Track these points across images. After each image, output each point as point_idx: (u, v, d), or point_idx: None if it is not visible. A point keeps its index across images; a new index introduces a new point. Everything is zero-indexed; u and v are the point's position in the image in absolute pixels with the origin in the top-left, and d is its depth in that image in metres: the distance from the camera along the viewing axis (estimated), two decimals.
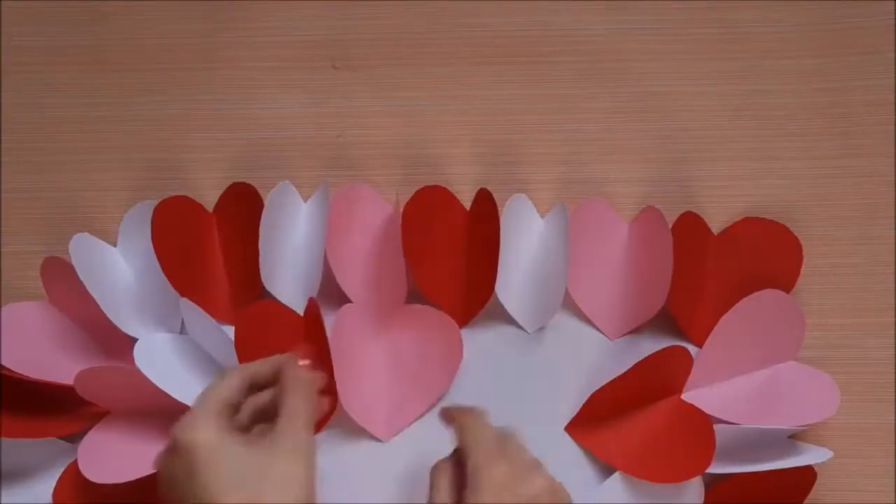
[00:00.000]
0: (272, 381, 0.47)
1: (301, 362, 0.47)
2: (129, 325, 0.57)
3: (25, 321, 0.57)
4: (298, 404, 0.44)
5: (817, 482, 0.55)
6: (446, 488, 0.46)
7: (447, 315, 0.56)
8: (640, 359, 0.54)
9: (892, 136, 0.60)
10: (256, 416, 0.46)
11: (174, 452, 0.42)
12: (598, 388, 0.55)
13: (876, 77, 0.60)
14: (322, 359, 0.54)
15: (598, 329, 0.58)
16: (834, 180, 0.60)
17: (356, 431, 0.56)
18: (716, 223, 0.59)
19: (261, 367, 0.47)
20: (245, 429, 0.46)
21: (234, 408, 0.45)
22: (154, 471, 0.52)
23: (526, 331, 0.58)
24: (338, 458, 0.57)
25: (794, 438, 0.56)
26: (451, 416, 0.49)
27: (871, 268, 0.59)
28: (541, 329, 0.58)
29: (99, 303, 0.55)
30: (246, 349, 0.54)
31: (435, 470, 0.47)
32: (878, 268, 0.59)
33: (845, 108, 0.60)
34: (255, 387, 0.47)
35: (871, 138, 0.60)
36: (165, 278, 0.56)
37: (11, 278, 0.60)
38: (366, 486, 0.56)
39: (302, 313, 0.57)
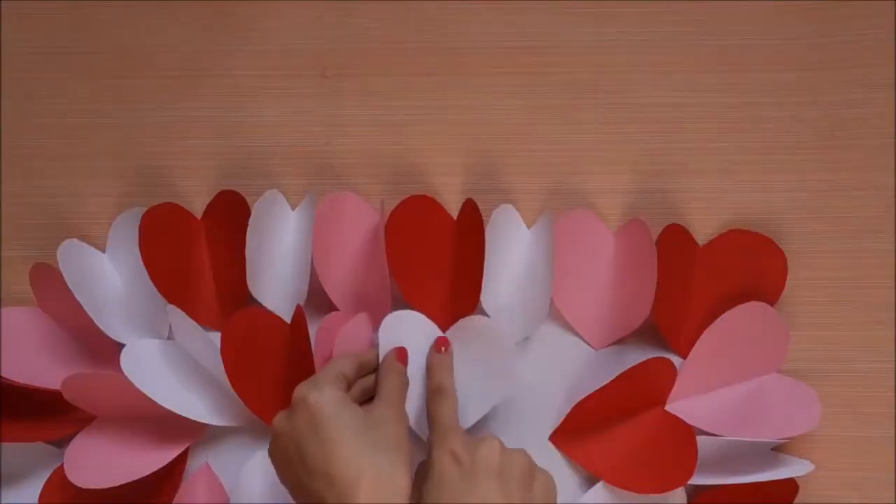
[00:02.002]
0: (374, 367, 0.55)
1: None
2: (116, 332, 0.57)
3: (15, 327, 0.58)
4: (395, 387, 0.52)
5: (799, 494, 0.55)
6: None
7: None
8: (624, 369, 0.54)
9: (880, 149, 0.60)
10: (364, 397, 0.53)
11: (298, 410, 0.48)
12: (582, 397, 0.55)
13: (863, 91, 0.60)
14: (307, 366, 0.54)
15: (582, 339, 0.58)
16: (820, 193, 0.60)
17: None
18: (701, 235, 0.59)
19: (368, 356, 0.55)
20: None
21: (348, 382, 0.51)
22: (137, 477, 0.53)
23: None
24: None
25: (776, 450, 0.56)
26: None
27: (856, 281, 0.59)
28: (526, 339, 0.58)
29: (86, 309, 0.55)
30: (232, 356, 0.55)
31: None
32: (864, 281, 0.59)
33: (832, 121, 0.60)
34: (363, 370, 0.54)
35: (859, 152, 0.60)
36: (153, 285, 0.57)
37: (2, 283, 0.61)
38: None
39: (289, 321, 0.58)
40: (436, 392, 0.53)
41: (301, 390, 0.49)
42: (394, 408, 0.51)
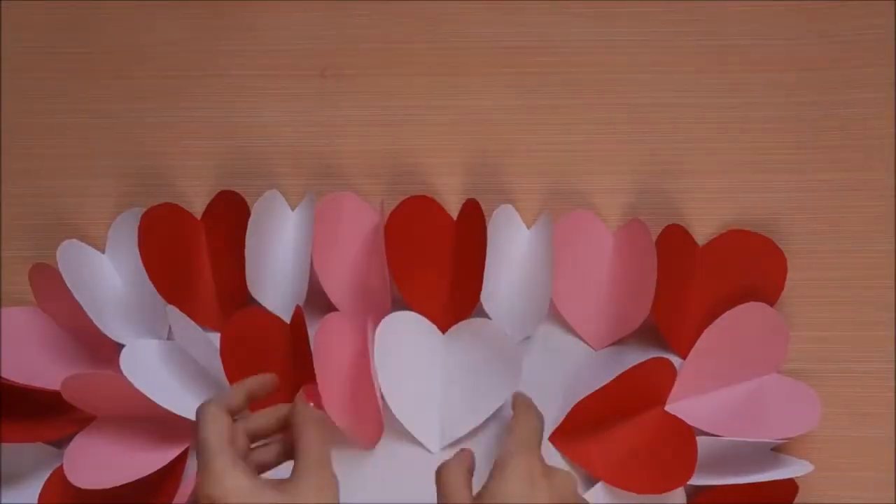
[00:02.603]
0: (275, 429, 0.46)
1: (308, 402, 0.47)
2: (116, 332, 0.57)
3: (15, 327, 0.58)
4: (313, 443, 0.44)
5: (799, 494, 0.55)
6: (464, 487, 0.45)
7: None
8: (624, 370, 0.54)
9: (880, 149, 0.60)
10: (265, 468, 0.47)
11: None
12: (582, 397, 0.55)
13: (863, 91, 0.60)
14: (306, 366, 0.54)
15: (582, 339, 0.58)
16: (820, 193, 0.60)
17: (341, 440, 0.56)
18: (701, 235, 0.59)
19: (262, 419, 0.46)
20: (244, 453, 0.45)
21: (241, 446, 0.45)
22: (137, 477, 0.53)
23: None
24: None
25: (776, 450, 0.56)
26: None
27: (856, 281, 0.59)
28: (526, 339, 0.58)
29: (86, 309, 0.55)
30: (231, 356, 0.55)
31: (445, 470, 0.46)
32: (864, 281, 0.59)
33: (831, 121, 0.60)
34: (254, 437, 0.46)
35: (858, 152, 0.60)
36: (153, 285, 0.57)
37: (2, 283, 0.61)
38: (352, 495, 0.56)
39: (288, 321, 0.58)
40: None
41: (199, 487, 0.42)
42: (316, 471, 0.43)
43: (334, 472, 0.44)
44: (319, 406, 0.47)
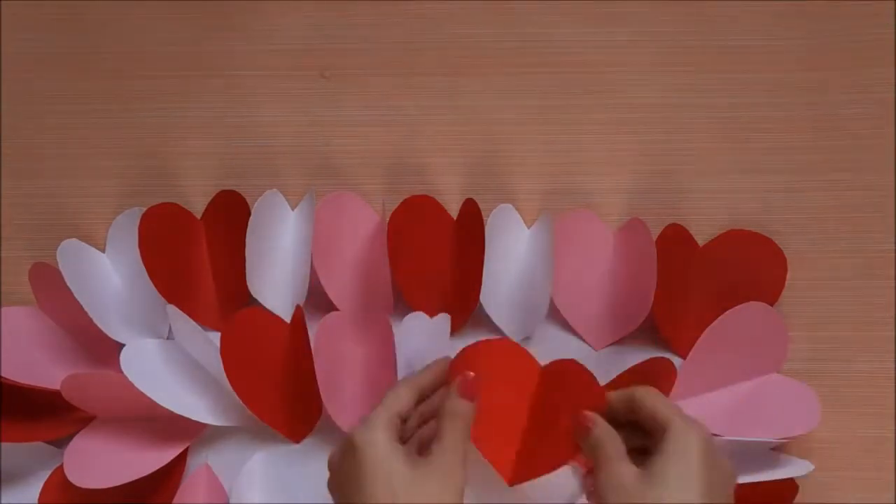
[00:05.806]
0: (438, 386, 0.51)
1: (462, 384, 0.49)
2: (116, 331, 0.57)
3: (15, 326, 0.58)
4: (454, 436, 0.47)
5: (799, 494, 0.55)
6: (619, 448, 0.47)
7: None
8: (624, 370, 0.54)
9: (879, 150, 0.60)
10: (423, 420, 0.51)
11: (347, 451, 0.47)
12: None
13: (863, 91, 0.60)
14: (306, 366, 0.54)
15: (582, 339, 0.58)
16: (820, 193, 0.60)
17: (341, 438, 0.56)
18: (701, 235, 0.59)
19: (427, 378, 0.51)
20: (412, 433, 0.50)
21: (404, 419, 0.49)
22: (137, 477, 0.53)
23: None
24: (322, 465, 0.57)
25: (776, 450, 0.56)
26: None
27: (856, 281, 0.59)
28: (526, 339, 0.58)
29: (86, 309, 0.55)
30: (231, 356, 0.55)
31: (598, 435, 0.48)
32: (863, 281, 0.59)
33: (832, 122, 0.60)
34: (423, 397, 0.51)
35: (858, 152, 0.60)
36: (153, 285, 0.57)
37: (2, 283, 0.61)
38: None
39: (289, 321, 0.58)
40: None
41: (352, 431, 0.47)
42: (449, 455, 0.47)
43: (463, 469, 0.47)
44: (470, 398, 0.49)
